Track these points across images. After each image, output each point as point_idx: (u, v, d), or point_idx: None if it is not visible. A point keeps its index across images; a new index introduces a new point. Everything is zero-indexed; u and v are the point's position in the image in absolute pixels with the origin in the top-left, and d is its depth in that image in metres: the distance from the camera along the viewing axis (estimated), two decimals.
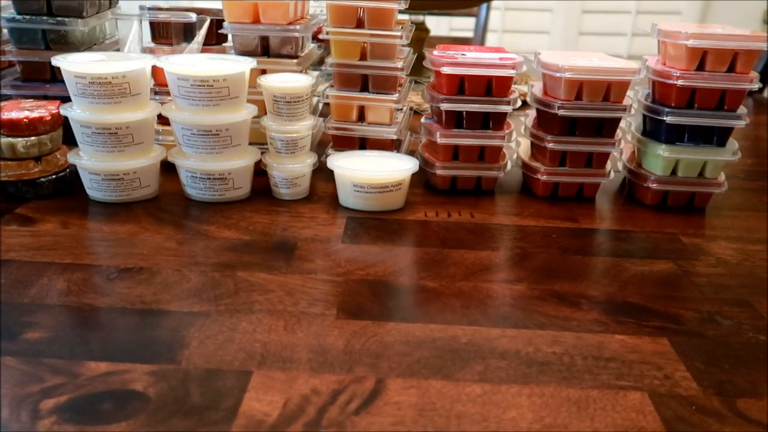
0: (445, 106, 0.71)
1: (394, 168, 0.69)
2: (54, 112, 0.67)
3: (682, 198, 0.74)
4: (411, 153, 0.77)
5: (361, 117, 0.78)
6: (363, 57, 0.76)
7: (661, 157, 0.72)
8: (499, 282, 0.55)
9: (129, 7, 0.90)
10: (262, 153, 0.71)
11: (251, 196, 0.72)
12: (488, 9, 1.69)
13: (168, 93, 0.69)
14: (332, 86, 0.77)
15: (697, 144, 0.72)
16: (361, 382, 0.40)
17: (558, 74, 0.70)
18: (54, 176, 0.68)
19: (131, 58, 0.69)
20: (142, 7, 0.86)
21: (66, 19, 0.74)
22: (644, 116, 0.76)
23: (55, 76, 0.76)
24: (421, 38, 1.18)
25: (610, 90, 0.70)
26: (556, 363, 0.43)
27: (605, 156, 0.74)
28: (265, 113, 0.70)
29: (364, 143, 0.78)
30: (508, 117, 0.74)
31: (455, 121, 0.72)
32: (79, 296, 0.49)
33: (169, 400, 0.38)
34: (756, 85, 0.69)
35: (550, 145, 0.72)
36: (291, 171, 0.70)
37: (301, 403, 0.38)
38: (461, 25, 2.24)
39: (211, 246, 0.59)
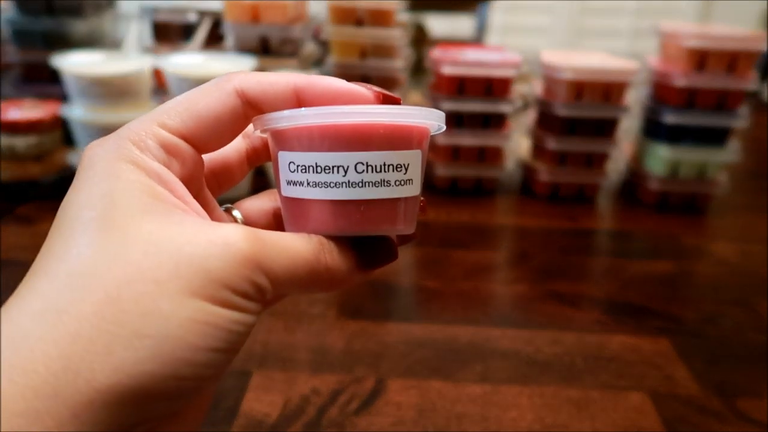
0: (445, 106, 0.71)
1: None
2: (54, 112, 0.67)
3: (683, 198, 0.74)
4: None
5: None
6: (363, 57, 0.76)
7: (661, 157, 0.72)
8: (499, 282, 0.55)
9: (129, 7, 0.90)
10: None
11: (251, 195, 0.71)
12: (488, 9, 1.69)
13: (168, 93, 0.69)
14: None
15: (697, 144, 0.72)
16: (361, 382, 0.40)
17: (558, 74, 0.70)
18: (54, 176, 0.68)
19: (131, 58, 0.69)
20: (142, 7, 0.86)
21: (66, 19, 0.74)
22: (644, 116, 0.76)
23: (55, 76, 0.76)
24: (421, 38, 1.18)
25: (610, 90, 0.70)
26: (557, 363, 0.43)
27: (605, 156, 0.74)
28: None
29: None
30: (508, 117, 0.74)
31: (455, 121, 0.72)
32: None
33: None
34: (756, 85, 0.69)
35: (551, 146, 0.72)
36: None
37: (301, 403, 0.38)
38: (461, 25, 2.24)
39: None
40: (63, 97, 0.69)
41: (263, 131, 0.22)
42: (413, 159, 0.22)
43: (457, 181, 0.75)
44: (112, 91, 0.64)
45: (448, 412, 0.38)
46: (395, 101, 0.22)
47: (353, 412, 0.37)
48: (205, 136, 0.21)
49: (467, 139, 0.72)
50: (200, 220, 0.19)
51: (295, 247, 0.20)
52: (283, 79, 0.21)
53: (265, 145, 0.25)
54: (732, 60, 0.68)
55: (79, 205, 0.19)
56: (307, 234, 0.20)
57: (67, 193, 0.20)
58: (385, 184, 0.21)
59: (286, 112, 0.20)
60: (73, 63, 0.65)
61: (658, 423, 0.38)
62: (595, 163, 0.74)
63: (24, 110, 0.67)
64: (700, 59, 0.69)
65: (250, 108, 0.21)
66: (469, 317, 0.49)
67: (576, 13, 2.38)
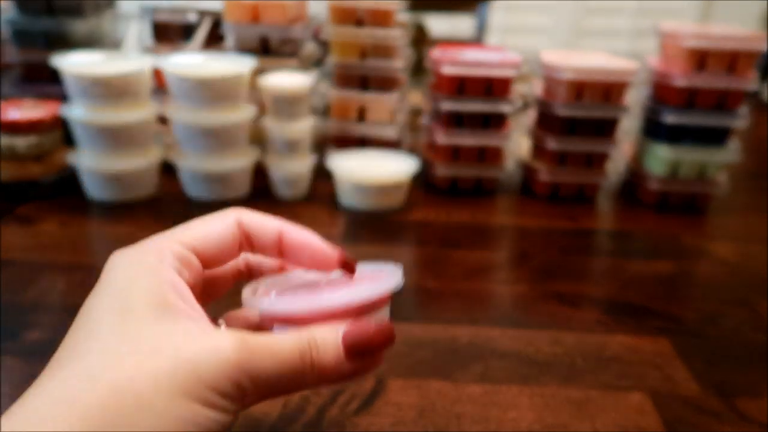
0: (445, 106, 0.71)
1: (395, 168, 0.69)
2: (54, 112, 0.67)
3: (683, 198, 0.74)
4: (411, 153, 0.77)
5: (361, 117, 0.78)
6: (363, 57, 0.76)
7: (661, 157, 0.72)
8: (499, 282, 0.55)
9: (129, 7, 0.89)
10: (262, 153, 0.71)
11: (251, 196, 0.71)
12: (488, 9, 1.69)
13: (168, 93, 0.69)
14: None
15: (697, 144, 0.72)
16: (361, 382, 0.40)
17: (558, 75, 0.70)
18: (54, 176, 0.68)
19: (131, 58, 0.69)
20: (142, 7, 0.86)
21: (66, 19, 0.74)
22: (644, 116, 0.76)
23: (55, 76, 0.76)
24: (421, 38, 1.18)
25: (610, 90, 0.70)
26: (557, 363, 0.43)
27: (605, 156, 0.74)
28: (265, 113, 0.70)
29: (364, 143, 0.78)
30: (508, 117, 0.74)
31: (455, 121, 0.73)
32: (79, 296, 0.49)
33: None
34: (756, 85, 0.69)
35: (551, 146, 0.72)
36: (291, 171, 0.70)
37: (301, 403, 0.38)
38: (461, 25, 2.24)
39: None
40: (63, 97, 0.69)
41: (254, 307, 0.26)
42: (384, 310, 0.26)
43: (457, 181, 0.75)
44: (112, 91, 0.64)
45: (448, 412, 0.38)
46: (351, 267, 0.28)
47: (353, 412, 0.37)
48: (211, 255, 0.26)
49: (467, 139, 0.72)
50: (202, 326, 0.22)
51: (282, 349, 0.22)
52: (274, 222, 0.28)
53: (247, 268, 0.30)
54: (732, 60, 0.68)
55: (100, 308, 0.22)
56: (297, 332, 0.23)
57: (90, 293, 0.24)
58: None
59: (267, 302, 0.25)
60: (73, 63, 0.65)
61: (658, 423, 0.38)
62: (595, 163, 0.74)
63: (24, 110, 0.67)
64: (700, 59, 0.69)
65: (244, 238, 0.27)
66: (469, 317, 0.49)
67: (576, 13, 2.38)
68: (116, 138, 0.66)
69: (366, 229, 0.65)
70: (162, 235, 0.25)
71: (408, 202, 0.71)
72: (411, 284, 0.54)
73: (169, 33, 0.85)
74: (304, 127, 0.69)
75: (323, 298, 0.24)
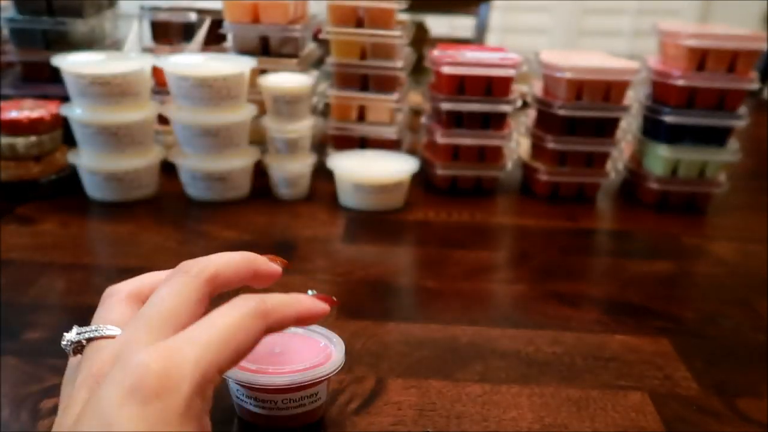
0: (445, 106, 0.71)
1: (395, 168, 0.69)
2: (54, 112, 0.67)
3: (683, 198, 0.74)
4: (411, 153, 0.77)
5: (361, 117, 0.78)
6: (363, 57, 0.76)
7: (661, 157, 0.72)
8: (499, 282, 0.55)
9: (129, 7, 0.89)
10: (262, 153, 0.71)
11: (251, 196, 0.71)
12: (488, 9, 1.69)
13: (168, 93, 0.69)
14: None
15: (698, 144, 0.72)
16: (361, 382, 0.40)
17: (558, 74, 0.70)
18: (54, 176, 0.68)
19: (131, 58, 0.69)
20: (142, 7, 0.86)
21: (66, 19, 0.74)
22: (644, 116, 0.76)
23: (55, 76, 0.76)
24: (421, 38, 1.18)
25: (610, 90, 0.70)
26: (557, 363, 0.43)
27: (605, 156, 0.74)
28: (265, 113, 0.70)
29: (364, 143, 0.78)
30: (508, 117, 0.74)
31: (455, 121, 0.72)
32: (79, 296, 0.49)
33: None
34: (756, 85, 0.69)
35: (551, 145, 0.72)
36: (291, 171, 0.70)
37: None
38: (461, 25, 2.24)
39: (211, 246, 0.59)
40: (63, 97, 0.69)
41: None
42: (322, 388, 0.35)
43: (457, 180, 0.75)
44: (112, 91, 0.64)
45: (448, 412, 0.38)
46: (329, 305, 0.33)
47: (353, 412, 0.37)
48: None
49: (467, 139, 0.72)
50: None
51: None
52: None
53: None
54: (732, 60, 0.68)
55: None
56: None
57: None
58: (302, 406, 0.34)
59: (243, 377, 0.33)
60: (73, 63, 0.65)
61: (658, 423, 0.38)
62: (595, 163, 0.74)
63: (24, 110, 0.67)
64: (700, 59, 0.69)
65: None
66: (469, 317, 0.49)
67: (576, 13, 2.38)
68: (116, 138, 0.66)
69: (366, 229, 0.65)
70: (206, 350, 0.26)
71: (408, 202, 0.71)
72: (411, 284, 0.54)
73: (169, 33, 0.85)
74: (304, 127, 0.69)
75: (285, 378, 0.33)
